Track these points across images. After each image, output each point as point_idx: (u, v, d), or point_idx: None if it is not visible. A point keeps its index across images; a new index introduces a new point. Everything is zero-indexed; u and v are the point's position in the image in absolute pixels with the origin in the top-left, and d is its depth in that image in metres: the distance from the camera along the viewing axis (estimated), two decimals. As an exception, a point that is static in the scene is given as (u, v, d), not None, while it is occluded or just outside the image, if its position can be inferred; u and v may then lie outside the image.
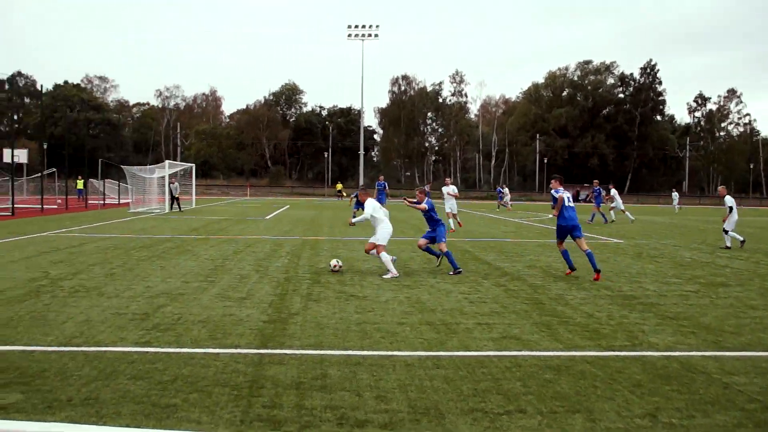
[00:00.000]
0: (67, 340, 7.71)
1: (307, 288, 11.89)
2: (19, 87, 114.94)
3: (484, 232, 26.44)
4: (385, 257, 13.68)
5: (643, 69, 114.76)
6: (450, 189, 27.45)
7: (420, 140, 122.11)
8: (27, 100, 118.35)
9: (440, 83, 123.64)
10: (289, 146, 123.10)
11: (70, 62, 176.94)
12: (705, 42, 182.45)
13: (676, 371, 6.95)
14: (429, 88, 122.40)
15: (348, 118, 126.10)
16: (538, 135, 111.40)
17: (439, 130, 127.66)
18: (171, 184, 40.57)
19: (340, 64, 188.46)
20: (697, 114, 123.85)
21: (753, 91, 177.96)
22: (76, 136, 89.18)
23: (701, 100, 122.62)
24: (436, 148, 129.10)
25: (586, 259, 14.06)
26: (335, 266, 14.07)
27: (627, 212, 36.12)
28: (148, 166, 46.81)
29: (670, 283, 13.34)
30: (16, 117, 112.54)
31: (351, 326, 8.78)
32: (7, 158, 36.05)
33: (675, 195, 58.92)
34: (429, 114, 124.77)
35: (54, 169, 58.27)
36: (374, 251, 13.98)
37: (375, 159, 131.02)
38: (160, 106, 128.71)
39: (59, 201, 47.09)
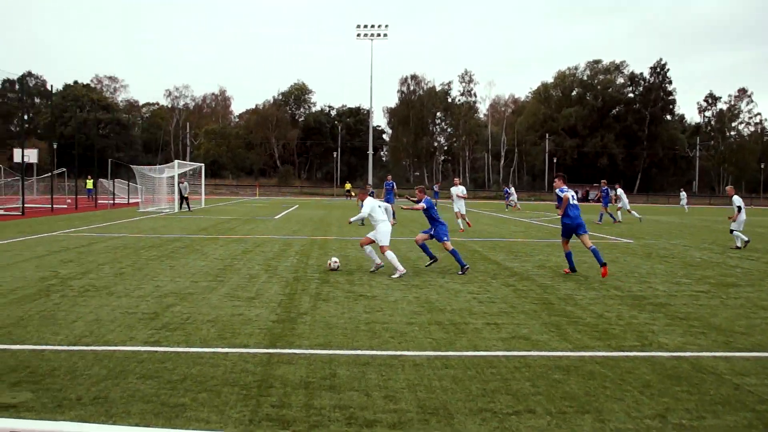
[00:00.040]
0: (77, 340, 7.74)
1: (316, 288, 11.89)
2: (30, 87, 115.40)
3: (493, 232, 26.40)
4: (391, 255, 13.74)
5: (653, 68, 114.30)
6: (459, 190, 27.42)
7: (429, 140, 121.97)
8: (37, 100, 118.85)
9: (449, 83, 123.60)
10: (298, 146, 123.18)
11: (80, 62, 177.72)
12: (715, 41, 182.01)
13: (686, 372, 6.92)
14: (438, 88, 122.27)
15: (357, 117, 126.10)
16: (547, 135, 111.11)
17: (448, 129, 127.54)
18: (180, 184, 40.66)
19: (349, 63, 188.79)
20: (708, 113, 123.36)
21: (764, 91, 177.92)
22: (86, 135, 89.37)
23: (711, 99, 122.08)
24: (445, 147, 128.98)
25: (593, 259, 14.05)
26: (334, 265, 14.24)
27: (633, 212, 36.01)
28: (157, 166, 46.90)
29: (680, 283, 13.29)
30: (26, 117, 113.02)
31: (360, 326, 8.78)
32: (17, 158, 36.21)
33: (683, 195, 58.57)
34: (438, 114, 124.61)
35: (64, 169, 58.47)
36: (368, 246, 14.15)
37: (384, 159, 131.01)
38: (169, 105, 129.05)
39: (69, 201, 47.24)
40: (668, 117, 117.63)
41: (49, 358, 6.95)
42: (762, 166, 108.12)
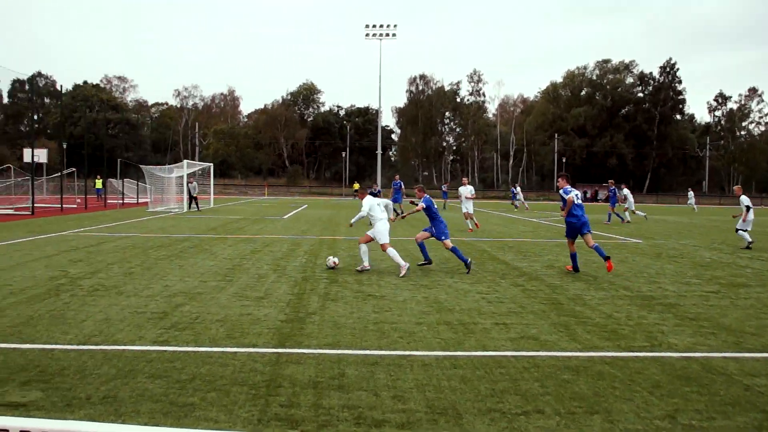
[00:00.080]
0: (86, 339, 7.76)
1: (325, 287, 11.90)
2: (39, 87, 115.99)
3: (501, 232, 26.36)
4: (392, 252, 13.88)
5: (663, 68, 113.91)
6: (467, 190, 27.41)
7: (438, 140, 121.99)
8: (47, 100, 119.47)
9: (458, 83, 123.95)
10: (306, 146, 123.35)
11: (90, 63, 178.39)
12: (725, 40, 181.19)
13: (696, 372, 6.89)
14: (447, 88, 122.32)
15: (366, 117, 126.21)
16: (556, 134, 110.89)
17: (457, 129, 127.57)
18: (189, 184, 40.75)
19: (358, 63, 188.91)
20: (718, 113, 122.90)
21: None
22: (96, 135, 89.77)
23: (721, 99, 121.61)
24: (454, 147, 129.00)
25: (600, 259, 14.05)
26: (331, 263, 14.35)
27: (637, 212, 35.92)
28: (166, 166, 47.02)
29: (689, 283, 13.24)
30: (36, 117, 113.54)
31: (368, 326, 8.78)
32: (27, 158, 36.35)
33: (691, 194, 58.29)
34: (447, 113, 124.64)
35: (73, 169, 58.69)
36: (364, 246, 14.19)
37: (393, 158, 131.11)
38: (178, 105, 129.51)
39: (78, 200, 47.43)
40: (678, 117, 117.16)
41: (58, 358, 6.97)
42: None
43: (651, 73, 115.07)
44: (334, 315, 9.47)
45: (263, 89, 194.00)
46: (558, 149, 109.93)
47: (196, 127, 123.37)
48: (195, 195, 40.65)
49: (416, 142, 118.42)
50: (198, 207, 40.68)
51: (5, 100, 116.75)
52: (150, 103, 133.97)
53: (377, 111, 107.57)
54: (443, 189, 56.04)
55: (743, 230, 20.69)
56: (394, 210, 33.70)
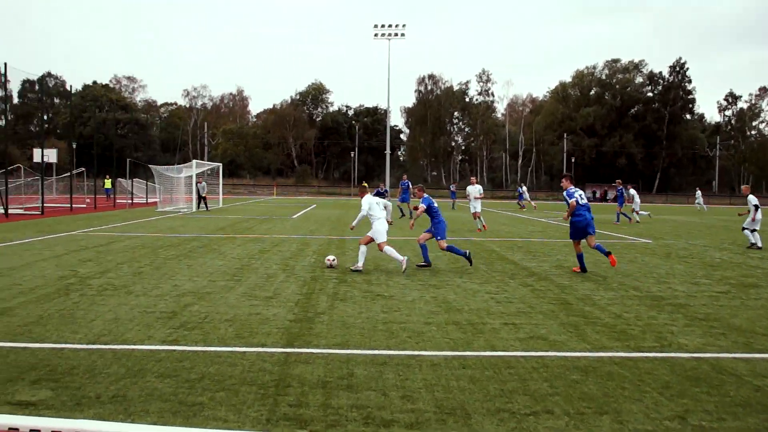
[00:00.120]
0: (96, 338, 7.78)
1: (334, 287, 11.90)
2: (49, 87, 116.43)
3: (510, 232, 26.32)
4: (389, 250, 14.00)
5: (672, 67, 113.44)
6: (475, 190, 27.38)
7: (446, 139, 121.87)
8: (56, 101, 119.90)
9: (467, 82, 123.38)
10: (315, 146, 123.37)
11: (99, 63, 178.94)
12: (735, 39, 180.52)
13: (706, 373, 6.86)
14: (455, 88, 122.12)
15: (374, 117, 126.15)
16: (565, 134, 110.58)
17: (466, 129, 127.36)
18: (198, 184, 40.82)
19: (367, 63, 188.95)
20: (728, 113, 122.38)
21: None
22: (105, 135, 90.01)
23: (732, 98, 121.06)
24: (463, 147, 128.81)
25: (607, 261, 14.01)
26: (330, 262, 14.45)
27: (641, 212, 35.87)
28: (175, 166, 47.15)
29: (699, 283, 13.19)
30: (46, 117, 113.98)
31: (377, 326, 8.78)
32: (37, 158, 36.49)
33: (698, 194, 57.99)
34: (455, 113, 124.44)
35: (83, 169, 58.88)
36: (363, 247, 14.25)
37: (401, 158, 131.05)
38: (187, 105, 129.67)
39: (88, 200, 47.57)
40: (688, 116, 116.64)
41: (68, 357, 6.99)
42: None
43: (660, 72, 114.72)
44: (342, 315, 9.47)
45: (272, 89, 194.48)
46: (567, 149, 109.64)
47: (205, 127, 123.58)
48: (204, 195, 40.72)
49: (425, 142, 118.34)
50: (207, 207, 40.76)
51: (15, 100, 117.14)
52: (159, 103, 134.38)
53: (386, 111, 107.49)
54: (451, 189, 55.92)
55: (751, 230, 20.60)
56: (400, 209, 33.37)
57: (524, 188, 53.99)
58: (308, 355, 7.25)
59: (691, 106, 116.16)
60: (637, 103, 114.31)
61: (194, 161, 44.26)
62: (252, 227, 26.43)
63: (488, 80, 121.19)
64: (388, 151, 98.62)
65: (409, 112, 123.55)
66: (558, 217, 38.96)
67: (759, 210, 20.49)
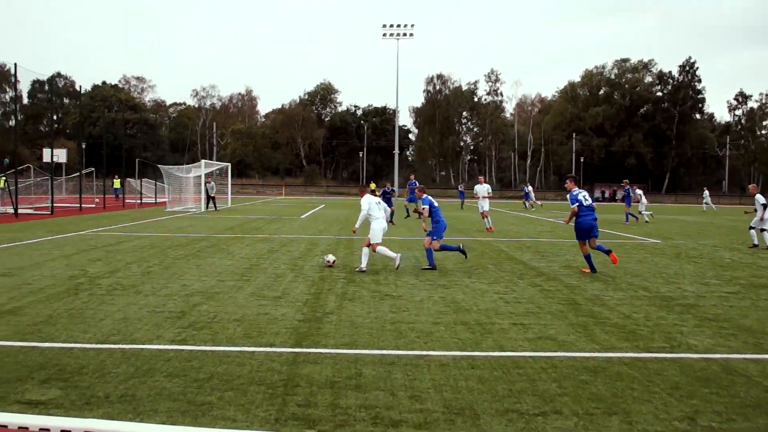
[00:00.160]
0: (105, 338, 7.80)
1: (342, 287, 11.91)
2: (59, 88, 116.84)
3: (519, 232, 26.28)
4: (381, 249, 14.11)
5: (682, 67, 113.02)
6: (483, 189, 27.33)
7: (455, 139, 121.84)
8: (66, 101, 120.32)
9: (475, 82, 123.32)
10: (324, 145, 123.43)
11: (109, 63, 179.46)
12: (745, 39, 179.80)
13: (716, 374, 6.83)
14: (464, 87, 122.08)
15: (383, 117, 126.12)
16: (574, 134, 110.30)
17: (475, 129, 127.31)
18: (207, 184, 40.88)
19: (375, 63, 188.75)
20: (738, 112, 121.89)
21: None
22: (114, 135, 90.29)
23: (742, 98, 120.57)
24: (471, 147, 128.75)
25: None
26: (329, 261, 14.56)
27: (644, 212, 35.79)
28: (184, 166, 47.25)
29: (709, 284, 13.14)
30: (55, 117, 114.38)
31: (385, 326, 8.77)
32: (46, 158, 36.60)
33: (706, 194, 57.74)
34: (464, 113, 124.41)
35: (92, 169, 59.11)
36: (366, 249, 14.27)
37: (410, 158, 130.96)
38: (196, 105, 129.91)
39: (97, 200, 47.73)
40: (697, 116, 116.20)
41: (77, 356, 7.01)
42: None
43: (670, 72, 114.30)
44: (351, 315, 9.47)
45: (280, 89, 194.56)
46: (576, 149, 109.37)
47: (214, 127, 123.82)
48: (213, 195, 40.78)
49: (433, 142, 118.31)
50: (216, 207, 40.82)
51: (25, 100, 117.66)
52: (168, 103, 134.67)
53: (394, 111, 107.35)
54: (459, 189, 55.86)
55: (760, 229, 20.51)
56: (406, 209, 33.42)
57: (530, 188, 53.94)
58: (317, 355, 7.25)
59: (700, 105, 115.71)
60: (646, 103, 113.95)
61: (203, 161, 44.34)
62: (261, 227, 26.46)
63: (497, 80, 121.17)
64: (396, 151, 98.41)
65: (418, 112, 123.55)
66: (567, 217, 38.89)
67: (767, 209, 20.37)
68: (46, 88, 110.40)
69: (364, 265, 13.98)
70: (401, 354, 7.37)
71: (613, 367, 6.99)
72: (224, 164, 52.01)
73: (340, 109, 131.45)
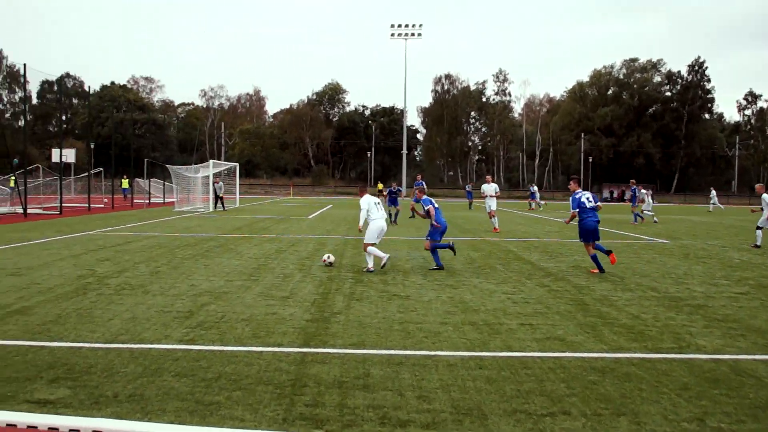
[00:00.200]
0: (113, 337, 7.82)
1: (350, 287, 11.90)
2: (68, 88, 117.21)
3: (527, 232, 26.23)
4: (372, 250, 14.13)
5: (691, 66, 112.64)
6: (491, 189, 27.25)
7: (463, 139, 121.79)
8: (75, 101, 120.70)
9: (483, 82, 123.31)
10: (332, 145, 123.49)
11: (117, 63, 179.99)
12: (755, 38, 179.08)
13: (725, 375, 6.80)
14: (472, 87, 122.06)
15: (391, 117, 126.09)
16: (582, 134, 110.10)
17: (483, 129, 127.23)
18: (215, 184, 40.94)
19: (383, 63, 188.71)
20: (747, 112, 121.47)
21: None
22: (123, 135, 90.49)
23: (751, 97, 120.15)
24: (480, 147, 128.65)
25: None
26: (326, 260, 14.64)
27: (647, 212, 35.72)
28: (192, 166, 47.31)
29: (718, 284, 13.09)
30: (64, 117, 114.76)
31: (393, 326, 8.77)
32: (55, 158, 36.72)
33: (713, 194, 57.55)
34: (472, 113, 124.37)
35: (101, 169, 59.27)
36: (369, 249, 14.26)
37: (418, 158, 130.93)
38: (204, 106, 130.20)
39: (106, 200, 47.87)
40: (707, 116, 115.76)
41: (86, 356, 7.03)
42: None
43: (679, 71, 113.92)
44: (359, 315, 9.47)
45: (288, 89, 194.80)
46: (584, 149, 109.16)
47: (222, 127, 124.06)
48: (221, 195, 40.85)
49: (441, 142, 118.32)
50: (224, 207, 40.90)
51: (35, 100, 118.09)
52: (176, 104, 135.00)
53: (402, 111, 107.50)
54: (467, 189, 55.83)
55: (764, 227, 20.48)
56: (413, 209, 33.56)
57: (536, 188, 53.95)
58: (324, 355, 7.25)
59: (710, 105, 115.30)
60: (655, 103, 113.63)
61: (211, 161, 44.39)
62: (268, 227, 26.49)
63: (505, 80, 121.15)
64: (404, 151, 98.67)
65: (426, 112, 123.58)
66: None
67: None
68: (56, 88, 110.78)
69: (371, 264, 13.98)
70: (409, 354, 7.36)
71: (622, 368, 6.97)
72: (232, 164, 52.07)
73: (348, 109, 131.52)
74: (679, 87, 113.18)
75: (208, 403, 5.62)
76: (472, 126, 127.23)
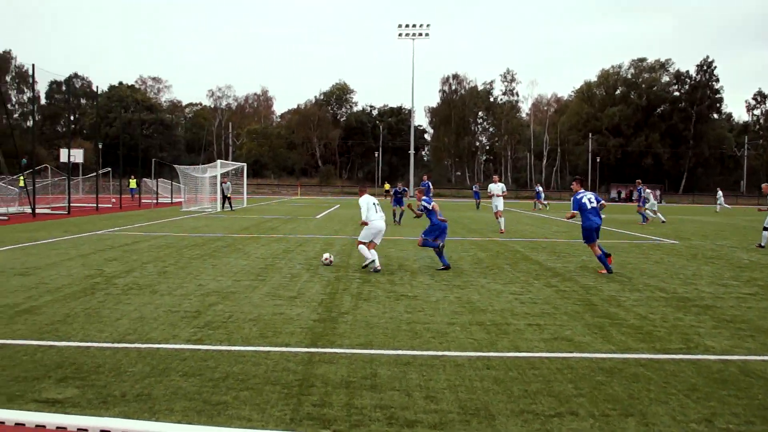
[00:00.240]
0: (121, 337, 7.84)
1: (357, 287, 11.90)
2: (76, 88, 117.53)
3: (534, 232, 26.19)
4: (361, 248, 14.26)
5: (700, 66, 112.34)
6: (498, 188, 27.18)
7: (470, 139, 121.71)
8: (83, 101, 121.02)
9: (491, 82, 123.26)
10: (339, 145, 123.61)
11: (125, 64, 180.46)
12: (765, 38, 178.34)
13: (734, 375, 6.78)
14: (480, 87, 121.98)
15: (398, 117, 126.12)
16: (590, 134, 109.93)
17: (490, 129, 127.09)
18: (223, 184, 41.02)
19: (391, 63, 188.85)
20: (756, 112, 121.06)
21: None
22: (130, 135, 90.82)
23: (760, 97, 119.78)
24: (487, 147, 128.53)
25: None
26: (326, 260, 14.71)
27: (647, 212, 35.63)
28: (200, 166, 47.40)
29: (727, 285, 13.03)
30: (72, 117, 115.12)
31: (401, 326, 8.76)
32: (63, 158, 36.83)
33: (720, 194, 57.41)
34: (480, 113, 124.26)
35: (109, 169, 59.46)
36: (373, 251, 14.25)
37: (425, 158, 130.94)
38: (212, 106, 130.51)
39: (113, 200, 48.00)
40: (715, 115, 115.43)
41: (94, 355, 7.05)
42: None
43: (687, 71, 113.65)
44: (366, 315, 9.47)
45: (296, 90, 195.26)
46: (592, 149, 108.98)
47: (230, 127, 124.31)
48: (228, 195, 40.92)
49: (449, 142, 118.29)
50: (231, 207, 40.97)
51: (43, 101, 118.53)
52: (184, 104, 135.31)
53: (410, 111, 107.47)
54: (474, 189, 55.82)
55: None
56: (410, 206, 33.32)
57: (540, 188, 53.97)
58: (332, 355, 7.25)
59: (718, 105, 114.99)
60: (663, 103, 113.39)
61: (219, 161, 44.46)
62: (276, 227, 26.51)
63: (513, 80, 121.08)
64: (412, 151, 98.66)
65: (434, 112, 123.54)
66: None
67: None
68: (64, 88, 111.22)
69: (377, 264, 13.99)
70: (416, 354, 7.35)
71: (630, 369, 6.95)
72: (240, 164, 52.15)
73: (355, 109, 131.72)
74: (687, 87, 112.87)
75: (216, 403, 5.63)
76: (479, 126, 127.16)
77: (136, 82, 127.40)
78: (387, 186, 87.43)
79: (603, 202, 15.15)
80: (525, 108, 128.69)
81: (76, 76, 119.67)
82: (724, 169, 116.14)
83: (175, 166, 48.77)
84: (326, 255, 14.92)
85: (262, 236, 22.00)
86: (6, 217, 29.10)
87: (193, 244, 18.76)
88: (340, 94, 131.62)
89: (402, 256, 16.44)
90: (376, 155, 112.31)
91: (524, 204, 66.07)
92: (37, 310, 9.38)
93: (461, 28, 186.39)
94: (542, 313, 9.82)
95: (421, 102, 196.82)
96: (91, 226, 25.36)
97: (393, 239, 21.39)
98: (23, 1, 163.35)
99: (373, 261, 13.99)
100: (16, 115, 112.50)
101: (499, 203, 26.69)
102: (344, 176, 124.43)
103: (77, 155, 38.08)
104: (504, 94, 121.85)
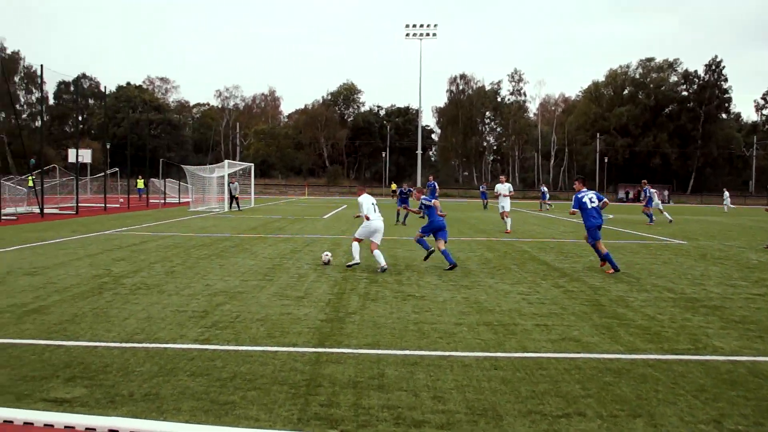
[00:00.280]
0: (129, 337, 7.85)
1: (365, 287, 11.90)
2: (84, 89, 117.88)
3: (542, 232, 26.14)
4: (355, 245, 14.42)
5: (708, 66, 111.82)
6: (505, 188, 27.15)
7: (478, 140, 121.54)
8: (91, 102, 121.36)
9: (499, 82, 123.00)
10: (346, 146, 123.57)
11: (133, 64, 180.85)
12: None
13: (743, 376, 6.75)
14: (487, 87, 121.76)
15: (406, 117, 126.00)
16: (598, 134, 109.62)
17: (498, 129, 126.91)
18: (230, 184, 41.09)
19: (398, 63, 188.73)
20: (765, 111, 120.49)
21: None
22: (138, 136, 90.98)
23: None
24: (495, 147, 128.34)
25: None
26: (325, 258, 14.82)
27: (647, 212, 35.56)
28: (207, 166, 47.47)
29: (735, 285, 12.99)
30: (80, 118, 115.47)
31: (408, 326, 8.76)
32: (71, 158, 36.94)
33: (726, 194, 57.23)
34: (487, 113, 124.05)
35: (116, 169, 59.49)
36: (376, 251, 14.27)
37: (433, 158, 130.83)
38: (219, 106, 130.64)
39: (121, 200, 48.12)
40: (723, 115, 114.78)
41: (102, 355, 7.06)
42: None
43: (696, 71, 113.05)
44: (373, 315, 9.47)
45: (303, 90, 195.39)
46: (600, 149, 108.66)
47: (237, 127, 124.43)
48: (236, 195, 40.99)
49: (456, 142, 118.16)
50: (239, 207, 41.03)
51: (51, 101, 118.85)
52: (191, 104, 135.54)
53: (417, 111, 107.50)
54: (481, 189, 55.75)
55: None
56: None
57: (545, 188, 53.94)
58: (339, 355, 7.25)
59: (727, 105, 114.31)
60: (671, 103, 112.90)
61: (226, 161, 44.51)
62: (283, 227, 26.54)
63: (520, 80, 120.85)
64: (419, 151, 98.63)
65: (441, 112, 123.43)
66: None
67: None
68: (72, 89, 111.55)
69: (383, 263, 13.99)
70: (424, 354, 7.35)
71: (638, 369, 6.93)
72: (247, 164, 52.23)
73: (363, 109, 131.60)
74: (695, 87, 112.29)
75: (223, 403, 5.64)
76: (487, 126, 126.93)
77: (144, 82, 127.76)
78: (394, 186, 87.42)
79: (605, 200, 15.17)
80: (533, 108, 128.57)
81: (84, 76, 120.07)
82: (732, 170, 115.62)
83: (182, 166, 48.85)
84: (326, 253, 14.97)
85: (269, 236, 22.02)
86: (15, 217, 29.22)
87: (201, 244, 18.79)
88: (347, 94, 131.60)
89: (409, 257, 16.44)
90: (384, 155, 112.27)
91: (531, 204, 65.96)
92: (45, 309, 9.41)
93: (468, 28, 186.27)
94: (550, 314, 9.81)
95: (428, 102, 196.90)
96: (99, 226, 25.43)
97: (401, 239, 21.39)
98: (31, 2, 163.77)
99: (358, 263, 14.25)
100: (24, 116, 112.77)
101: (506, 203, 26.65)
102: (351, 176, 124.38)
103: (85, 155, 38.16)
104: (511, 94, 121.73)
